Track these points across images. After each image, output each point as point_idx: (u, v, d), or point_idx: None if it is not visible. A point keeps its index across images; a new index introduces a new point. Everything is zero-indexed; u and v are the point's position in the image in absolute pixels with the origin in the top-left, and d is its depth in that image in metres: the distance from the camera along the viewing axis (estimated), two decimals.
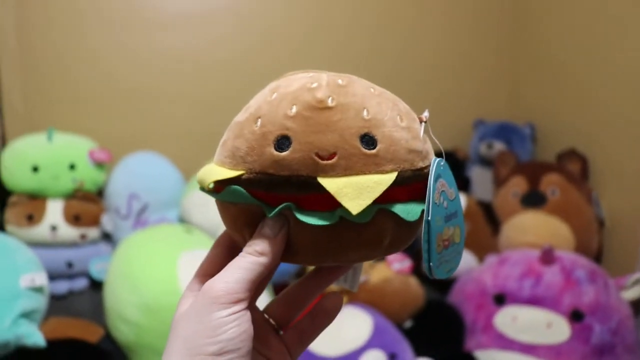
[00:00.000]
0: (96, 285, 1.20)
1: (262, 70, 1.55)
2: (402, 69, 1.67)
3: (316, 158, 0.27)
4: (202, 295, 0.28)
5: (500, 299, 0.97)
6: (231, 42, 1.55)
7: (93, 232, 1.25)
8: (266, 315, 0.34)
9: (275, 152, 0.28)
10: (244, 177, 0.29)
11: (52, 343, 0.85)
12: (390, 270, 1.02)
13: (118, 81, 1.48)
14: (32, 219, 1.19)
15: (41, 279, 0.89)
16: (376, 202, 0.27)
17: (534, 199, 1.26)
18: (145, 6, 1.47)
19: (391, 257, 1.04)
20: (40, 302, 0.90)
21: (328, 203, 0.27)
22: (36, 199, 1.22)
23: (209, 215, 1.17)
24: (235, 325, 0.27)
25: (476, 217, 1.28)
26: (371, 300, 0.97)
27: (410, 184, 0.29)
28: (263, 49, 1.56)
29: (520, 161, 1.41)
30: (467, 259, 1.20)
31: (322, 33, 1.60)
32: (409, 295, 1.01)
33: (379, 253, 0.30)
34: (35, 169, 1.20)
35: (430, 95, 1.69)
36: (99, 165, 1.30)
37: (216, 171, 0.30)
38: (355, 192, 0.27)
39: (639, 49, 1.17)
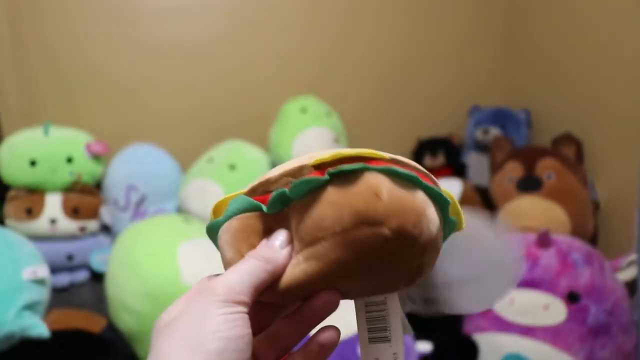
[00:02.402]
0: (97, 277, 1.21)
1: (258, 62, 1.55)
2: (399, 56, 1.67)
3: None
4: (203, 292, 0.27)
5: None
6: (226, 33, 1.54)
7: (92, 225, 1.26)
8: None
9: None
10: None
11: (56, 334, 0.86)
12: None
13: (113, 74, 1.48)
14: (31, 212, 1.19)
15: (43, 272, 0.90)
16: None
17: (529, 184, 1.27)
18: None
19: None
20: (42, 294, 0.91)
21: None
22: (35, 193, 1.22)
23: (207, 204, 1.18)
24: (238, 325, 0.26)
25: (473, 203, 1.29)
26: None
27: None
28: (258, 41, 1.55)
29: (515, 146, 1.42)
30: None
31: (320, 22, 1.60)
32: None
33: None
34: (32, 163, 1.20)
35: (427, 82, 1.69)
36: (96, 157, 1.30)
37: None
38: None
39: (630, 35, 1.18)
